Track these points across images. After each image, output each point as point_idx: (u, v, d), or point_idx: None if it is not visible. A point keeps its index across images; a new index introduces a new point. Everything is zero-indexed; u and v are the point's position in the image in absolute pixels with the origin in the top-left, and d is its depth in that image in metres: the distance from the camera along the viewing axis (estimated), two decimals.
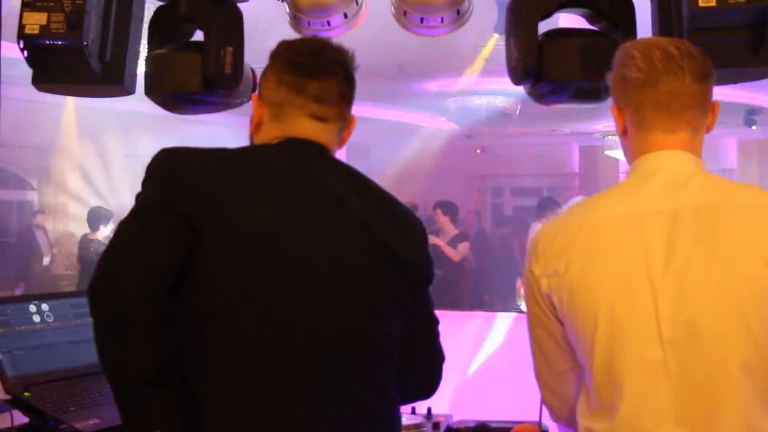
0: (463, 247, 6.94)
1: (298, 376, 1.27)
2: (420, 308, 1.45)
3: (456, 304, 6.19)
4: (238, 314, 1.25)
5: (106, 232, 6.47)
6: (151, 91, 2.23)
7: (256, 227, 1.27)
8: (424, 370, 1.49)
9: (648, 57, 1.35)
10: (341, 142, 1.49)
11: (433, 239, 6.82)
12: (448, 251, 6.81)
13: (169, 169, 1.30)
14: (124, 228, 1.28)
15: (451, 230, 7.15)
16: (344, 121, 1.47)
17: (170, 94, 2.23)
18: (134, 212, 1.29)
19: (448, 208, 7.22)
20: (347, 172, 1.43)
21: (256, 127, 1.45)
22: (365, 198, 1.41)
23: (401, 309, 1.39)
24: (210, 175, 1.30)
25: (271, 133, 1.42)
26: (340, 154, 1.47)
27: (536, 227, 6.84)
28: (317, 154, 1.41)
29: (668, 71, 1.34)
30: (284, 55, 1.43)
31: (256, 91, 1.50)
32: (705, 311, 1.24)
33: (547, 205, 7.13)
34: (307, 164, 1.38)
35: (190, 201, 1.26)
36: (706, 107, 1.38)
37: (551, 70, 2.05)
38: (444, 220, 7.15)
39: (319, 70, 1.41)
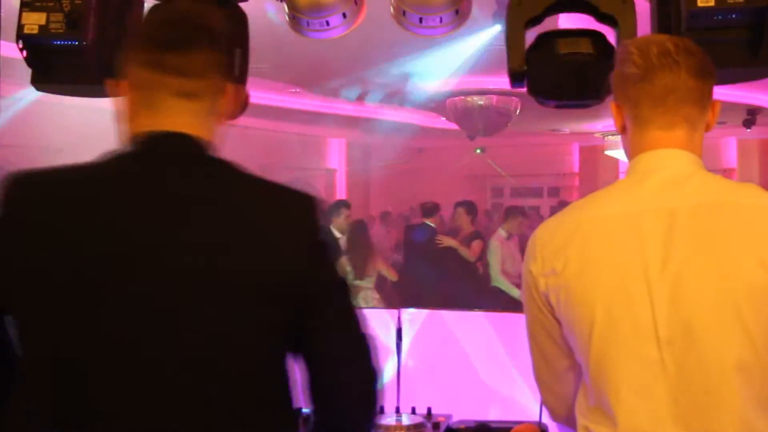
0: (477, 245, 6.97)
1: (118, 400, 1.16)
2: (315, 325, 1.23)
3: (471, 303, 6.17)
4: (48, 367, 1.16)
5: None
6: None
7: (63, 265, 1.15)
8: (332, 399, 1.27)
9: (644, 53, 1.36)
10: (226, 117, 1.32)
11: (449, 240, 6.86)
12: (465, 252, 6.84)
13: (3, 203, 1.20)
14: None
15: (468, 229, 7.19)
16: (219, 94, 1.29)
17: None
18: None
19: (471, 208, 7.27)
20: (206, 175, 1.25)
21: (128, 116, 1.28)
22: (224, 206, 1.22)
23: (264, 328, 1.20)
24: (35, 208, 1.19)
25: (141, 122, 1.26)
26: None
27: (500, 235, 6.95)
28: (173, 158, 1.24)
29: (664, 66, 1.34)
30: (141, 29, 1.31)
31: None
32: (701, 311, 1.24)
33: (510, 214, 7.28)
34: (150, 176, 1.22)
35: (9, 246, 1.18)
36: (704, 103, 1.38)
37: (536, 83, 2.09)
38: (466, 220, 7.18)
39: (178, 40, 1.25)
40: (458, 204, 7.36)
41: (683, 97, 1.35)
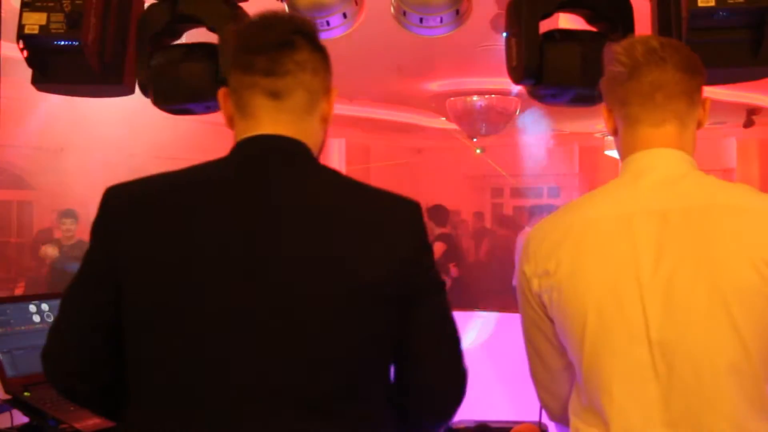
0: (439, 247, 7.01)
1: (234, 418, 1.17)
2: (416, 322, 1.26)
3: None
4: (156, 370, 1.20)
5: None
6: (162, 103, 2.19)
7: (167, 277, 1.19)
8: (428, 394, 1.30)
9: (630, 52, 1.37)
10: (322, 117, 1.35)
11: None
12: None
13: (100, 216, 1.26)
14: (64, 302, 1.29)
15: (433, 233, 7.25)
16: (312, 93, 1.31)
17: (184, 105, 2.20)
18: (77, 274, 1.27)
19: (433, 213, 7.32)
20: (307, 178, 1.28)
21: (228, 121, 1.35)
22: (328, 211, 1.24)
23: (367, 330, 1.22)
24: (131, 218, 1.23)
25: (239, 128, 1.31)
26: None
27: (526, 232, 7.01)
28: (273, 163, 1.27)
29: (650, 62, 1.35)
30: (238, 36, 1.34)
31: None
32: (693, 313, 1.23)
33: (535, 212, 7.34)
34: (251, 182, 1.24)
35: (113, 252, 1.23)
36: (693, 99, 1.38)
37: (551, 74, 2.05)
38: (429, 224, 7.24)
39: (268, 44, 1.29)
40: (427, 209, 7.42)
41: (671, 92, 1.35)
